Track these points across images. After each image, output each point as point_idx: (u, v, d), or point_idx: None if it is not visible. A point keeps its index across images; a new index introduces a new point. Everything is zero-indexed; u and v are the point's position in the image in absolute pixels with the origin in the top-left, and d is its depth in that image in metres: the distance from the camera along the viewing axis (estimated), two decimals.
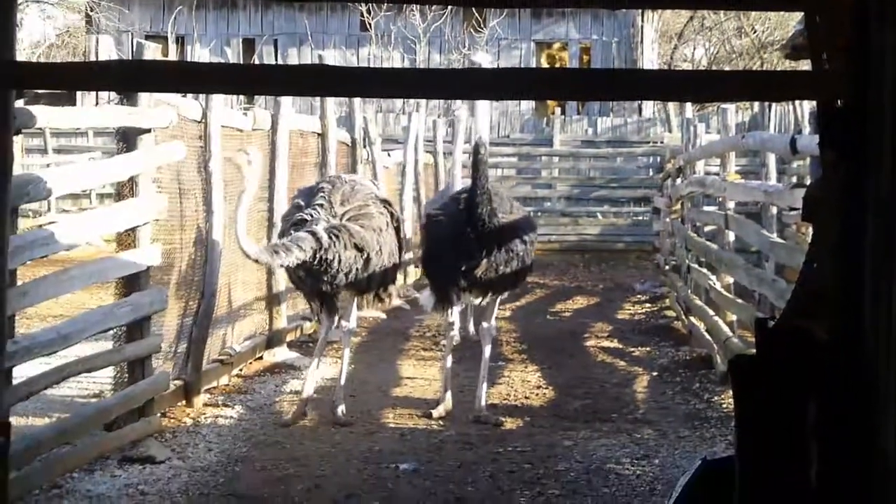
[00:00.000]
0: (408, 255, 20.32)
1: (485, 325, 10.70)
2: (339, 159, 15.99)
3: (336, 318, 10.55)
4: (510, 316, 16.96)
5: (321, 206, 10.06)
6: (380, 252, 10.23)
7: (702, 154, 15.73)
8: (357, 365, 12.93)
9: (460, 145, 12.76)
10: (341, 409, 10.17)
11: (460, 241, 9.91)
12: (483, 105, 10.01)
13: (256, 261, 9.99)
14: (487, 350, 10.67)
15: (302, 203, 10.24)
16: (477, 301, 10.50)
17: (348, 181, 10.58)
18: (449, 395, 10.46)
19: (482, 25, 35.25)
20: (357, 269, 10.08)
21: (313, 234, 9.87)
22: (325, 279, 10.02)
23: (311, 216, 10.00)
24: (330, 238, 9.90)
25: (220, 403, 10.60)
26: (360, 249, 10.06)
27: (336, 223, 10.01)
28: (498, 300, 10.71)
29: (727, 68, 43.65)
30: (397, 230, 10.67)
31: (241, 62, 32.01)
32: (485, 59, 9.96)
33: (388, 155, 20.96)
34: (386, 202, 10.78)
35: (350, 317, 10.68)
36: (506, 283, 10.30)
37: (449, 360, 10.54)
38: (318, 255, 9.85)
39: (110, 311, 8.60)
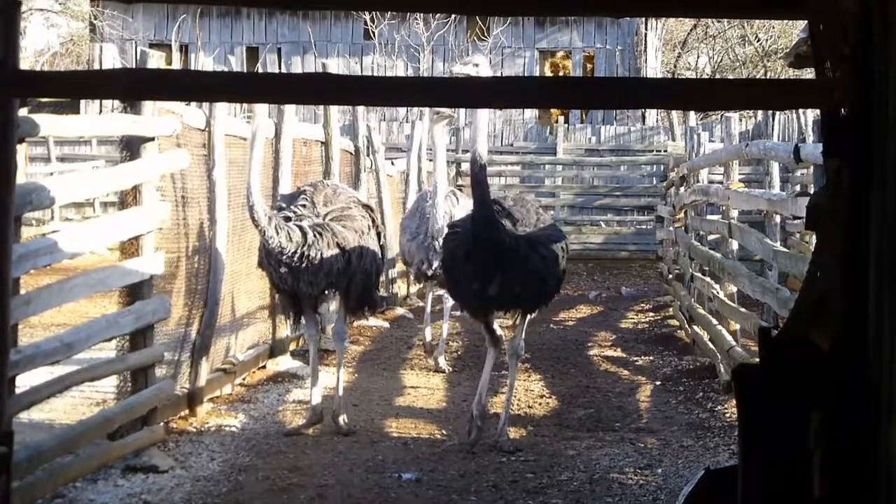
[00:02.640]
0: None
1: (511, 345, 10.13)
2: (342, 168, 15.99)
3: (320, 325, 10.39)
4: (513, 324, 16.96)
5: (304, 206, 10.10)
6: (361, 255, 10.16)
7: (705, 163, 15.73)
8: (360, 374, 12.93)
9: (441, 156, 12.79)
10: (343, 418, 10.14)
11: (471, 259, 9.42)
12: (482, 118, 9.52)
13: (253, 218, 9.69)
14: (513, 369, 10.11)
15: (284, 205, 10.27)
16: (504, 318, 10.29)
17: (330, 185, 10.63)
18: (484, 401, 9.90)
19: (486, 34, 35.30)
20: (338, 269, 10.00)
21: (300, 228, 9.89)
22: (306, 278, 9.92)
23: (295, 213, 10.04)
24: (314, 235, 9.89)
25: (223, 413, 10.60)
26: (342, 249, 10.01)
27: (319, 222, 10.00)
28: (527, 318, 10.07)
29: (731, 77, 43.70)
30: (379, 236, 10.59)
31: (245, 71, 32.04)
32: (477, 68, 9.47)
33: (392, 163, 20.97)
34: (368, 207, 10.74)
35: (340, 325, 10.55)
36: (527, 301, 9.73)
37: (489, 364, 10.01)
38: (300, 251, 9.81)
39: (113, 319, 8.59)
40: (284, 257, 9.82)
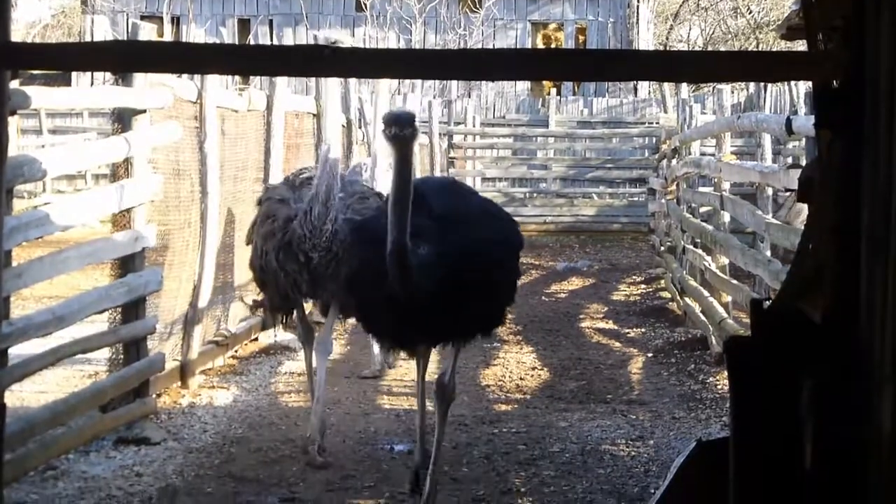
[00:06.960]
0: None
1: (439, 381, 7.37)
2: None
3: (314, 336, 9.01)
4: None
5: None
6: None
7: (697, 135, 15.72)
8: (352, 346, 12.93)
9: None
10: (317, 446, 8.40)
11: (385, 278, 6.52)
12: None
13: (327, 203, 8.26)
14: (441, 417, 7.34)
15: (288, 197, 8.70)
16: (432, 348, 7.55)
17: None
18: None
19: (478, 6, 35.21)
20: None
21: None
22: (330, 286, 8.42)
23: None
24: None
25: (215, 385, 10.61)
26: None
27: (345, 216, 8.44)
28: (459, 349, 7.35)
29: (723, 49, 43.63)
30: None
31: (237, 43, 31.96)
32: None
33: None
34: (378, 195, 9.11)
35: (328, 335, 8.96)
36: (465, 330, 7.09)
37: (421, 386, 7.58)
38: (331, 252, 8.33)
39: (105, 292, 8.59)
40: (318, 254, 8.36)
